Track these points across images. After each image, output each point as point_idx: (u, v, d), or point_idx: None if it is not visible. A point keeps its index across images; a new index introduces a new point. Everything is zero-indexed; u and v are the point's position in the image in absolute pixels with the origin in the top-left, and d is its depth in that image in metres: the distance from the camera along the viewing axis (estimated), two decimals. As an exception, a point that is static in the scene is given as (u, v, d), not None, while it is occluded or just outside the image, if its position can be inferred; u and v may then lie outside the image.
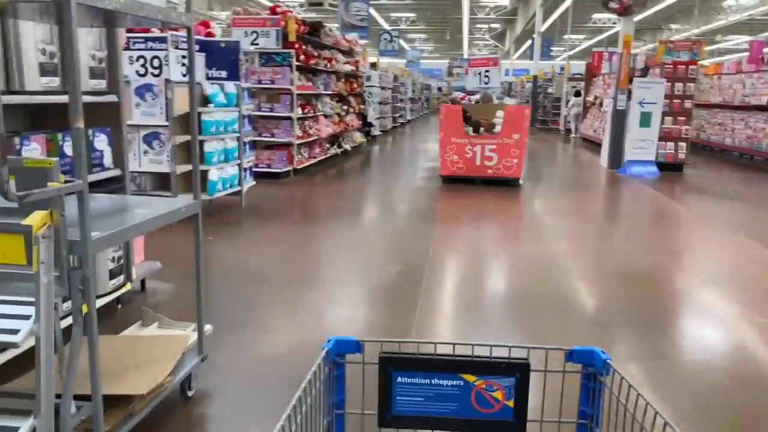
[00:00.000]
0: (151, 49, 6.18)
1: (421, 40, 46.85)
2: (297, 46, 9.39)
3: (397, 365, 1.34)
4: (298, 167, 9.60)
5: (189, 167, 6.16)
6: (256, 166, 9.03)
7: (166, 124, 6.04)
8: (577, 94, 19.71)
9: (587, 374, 1.39)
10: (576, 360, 1.39)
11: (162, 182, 6.35)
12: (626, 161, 10.92)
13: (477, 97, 10.01)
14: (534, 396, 1.41)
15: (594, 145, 16.26)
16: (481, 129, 8.86)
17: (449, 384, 1.33)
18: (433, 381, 1.33)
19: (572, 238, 5.99)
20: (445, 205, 7.56)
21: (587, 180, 10.26)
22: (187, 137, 6.10)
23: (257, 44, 9.12)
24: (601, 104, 16.01)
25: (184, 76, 6.23)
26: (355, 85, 13.64)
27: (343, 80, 12.49)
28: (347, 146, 12.74)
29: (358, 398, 1.47)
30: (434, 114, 36.65)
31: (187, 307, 3.74)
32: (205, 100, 6.38)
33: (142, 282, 4.04)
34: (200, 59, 6.53)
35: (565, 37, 38.22)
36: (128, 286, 3.64)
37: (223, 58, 6.62)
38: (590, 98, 17.34)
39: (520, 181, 9.03)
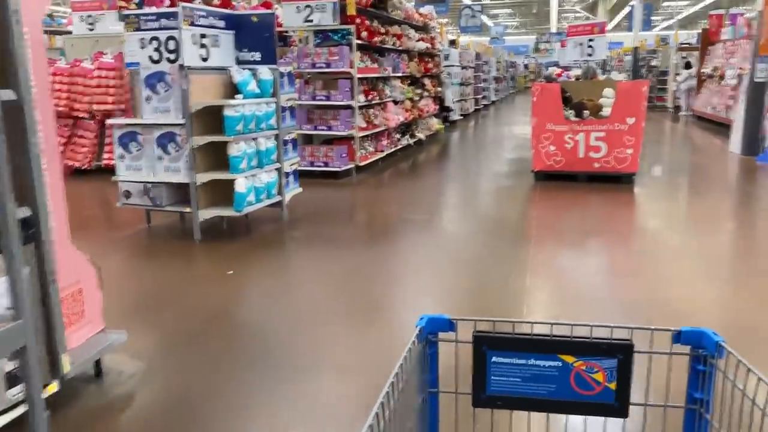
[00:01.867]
0: (165, 27, 4.93)
1: (505, 15, 44.29)
2: (358, 21, 7.95)
3: (492, 344, 1.29)
4: (362, 164, 8.19)
5: (213, 176, 4.90)
6: (312, 164, 7.74)
7: (183, 122, 4.79)
8: (688, 66, 17.15)
9: (696, 356, 1.28)
10: (684, 342, 1.28)
11: (180, 194, 5.12)
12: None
13: (577, 72, 8.21)
14: (638, 379, 1.30)
15: (713, 124, 13.87)
16: (586, 113, 7.09)
17: (547, 365, 1.28)
18: (530, 361, 1.28)
19: (720, 271, 4.23)
20: (540, 214, 5.92)
21: (718, 172, 8.23)
22: (210, 138, 4.82)
23: (311, 21, 7.75)
24: (722, 77, 13.58)
25: (205, 60, 4.94)
26: (430, 65, 12.06)
27: (416, 60, 10.95)
28: (421, 135, 11.22)
29: (452, 377, 1.38)
30: (520, 94, 34.34)
31: (161, 403, 2.41)
32: (235, 90, 5.07)
33: (98, 363, 2.76)
34: (227, 39, 5.22)
35: (665, 4, 34.61)
36: (53, 388, 2.35)
37: (256, 36, 5.27)
38: (707, 69, 14.85)
39: (634, 177, 7.22)
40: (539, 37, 46.32)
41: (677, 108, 17.93)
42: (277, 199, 5.37)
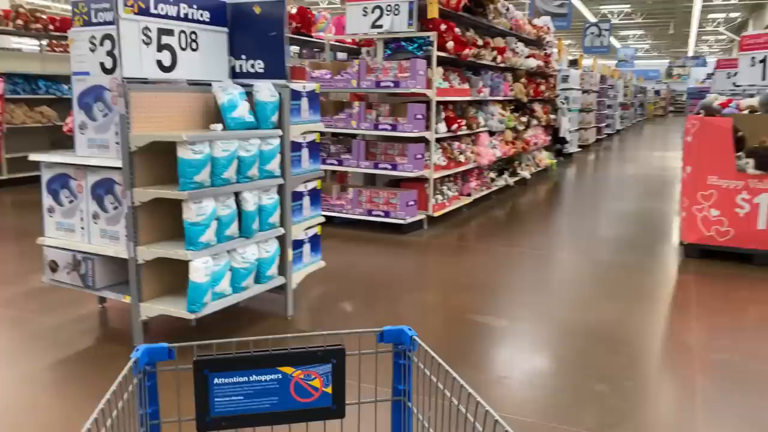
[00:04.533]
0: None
1: (635, 37, 40.56)
2: (443, 27, 6.03)
3: (214, 367, 1.29)
4: (436, 214, 6.21)
5: (160, 251, 3.12)
6: (369, 212, 5.87)
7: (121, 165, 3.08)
8: None
9: (398, 352, 1.42)
10: (387, 340, 1.41)
11: (122, 271, 3.39)
12: None
13: (752, 101, 5.77)
14: (352, 380, 1.43)
15: None
16: (773, 163, 4.69)
17: (268, 379, 1.32)
18: (251, 378, 1.32)
19: None
20: (698, 342, 3.62)
21: None
22: (160, 192, 3.06)
23: (380, 26, 5.93)
24: None
25: (167, 69, 3.22)
26: (542, 88, 9.87)
27: (523, 80, 8.83)
28: (526, 173, 9.03)
29: (176, 406, 1.39)
30: (650, 122, 30.77)
31: None
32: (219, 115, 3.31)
33: None
34: (216, 39, 3.49)
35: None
36: None
37: (259, 36, 3.50)
38: None
39: None
40: (673, 61, 42.05)
41: None
42: (277, 282, 3.52)
